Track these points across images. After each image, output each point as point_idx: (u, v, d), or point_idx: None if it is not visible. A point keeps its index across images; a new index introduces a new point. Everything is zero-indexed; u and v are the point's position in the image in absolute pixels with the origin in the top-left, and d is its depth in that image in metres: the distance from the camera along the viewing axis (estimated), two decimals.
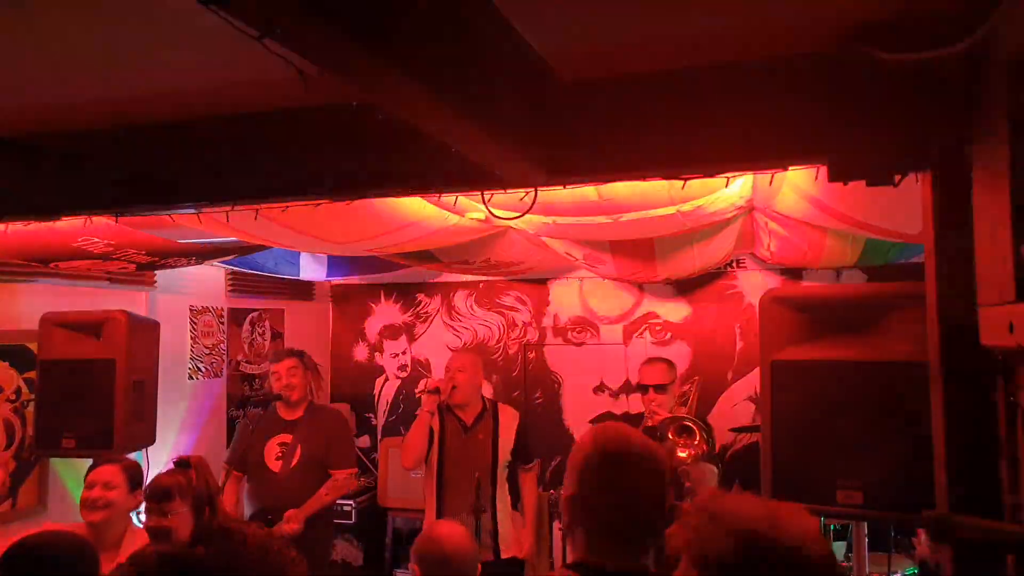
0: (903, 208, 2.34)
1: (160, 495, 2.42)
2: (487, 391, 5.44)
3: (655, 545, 1.54)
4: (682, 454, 3.14)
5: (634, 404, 5.25)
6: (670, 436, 3.19)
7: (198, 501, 2.42)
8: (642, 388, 3.63)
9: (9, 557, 1.81)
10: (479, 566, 2.45)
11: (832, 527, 3.60)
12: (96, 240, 3.09)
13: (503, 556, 3.65)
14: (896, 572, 3.38)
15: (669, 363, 3.71)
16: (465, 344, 5.72)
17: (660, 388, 3.55)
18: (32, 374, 3.55)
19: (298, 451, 3.68)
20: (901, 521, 1.88)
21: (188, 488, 2.43)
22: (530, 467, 3.85)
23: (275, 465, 3.69)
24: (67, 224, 2.90)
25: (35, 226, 2.93)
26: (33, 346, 3.55)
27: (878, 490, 2.07)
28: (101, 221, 2.87)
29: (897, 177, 1.77)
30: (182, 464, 2.55)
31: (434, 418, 3.69)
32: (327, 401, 5.62)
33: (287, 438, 3.73)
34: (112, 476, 2.71)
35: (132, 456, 3.11)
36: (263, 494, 3.67)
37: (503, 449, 3.72)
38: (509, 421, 3.81)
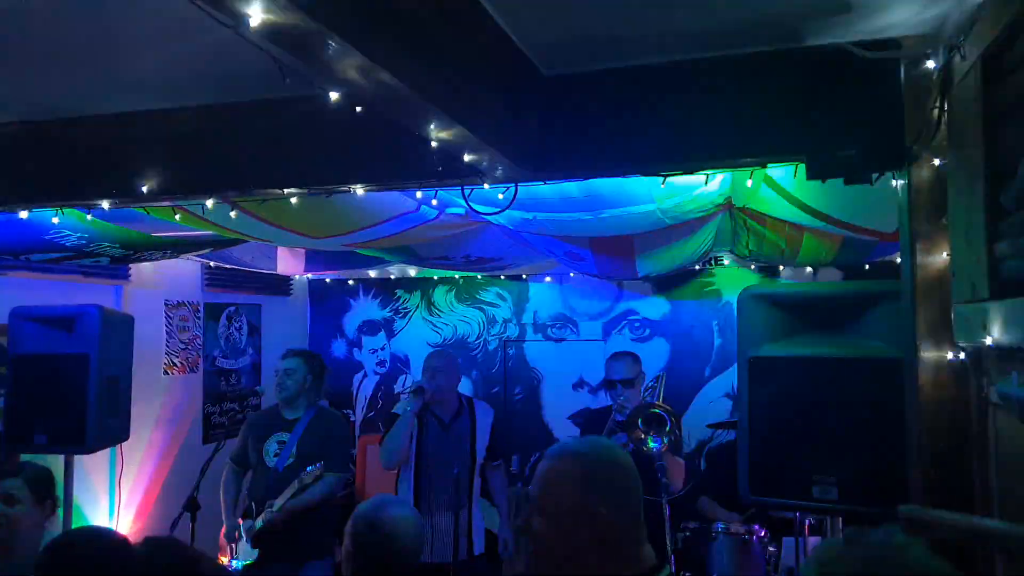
0: (879, 206, 2.36)
1: None
2: (467, 388, 5.45)
3: None
4: (653, 444, 3.10)
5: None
6: (639, 426, 3.15)
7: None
8: (609, 383, 3.60)
9: (47, 554, 1.78)
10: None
11: (808, 521, 3.64)
12: (69, 233, 3.03)
13: (475, 553, 3.62)
14: None
15: (634, 356, 3.70)
16: (445, 340, 5.70)
17: (627, 383, 3.53)
18: (2, 369, 3.47)
19: (294, 450, 3.68)
20: (876, 516, 1.91)
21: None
22: (496, 465, 3.79)
23: (272, 462, 3.70)
24: (39, 216, 2.84)
25: (6, 218, 2.86)
26: (3, 340, 3.48)
27: (853, 485, 2.10)
28: (74, 214, 2.82)
29: (874, 175, 1.80)
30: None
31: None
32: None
33: (285, 437, 3.74)
34: (14, 490, 2.50)
35: (109, 453, 3.02)
36: (259, 489, 3.67)
37: (480, 446, 3.69)
38: (485, 417, 3.77)
